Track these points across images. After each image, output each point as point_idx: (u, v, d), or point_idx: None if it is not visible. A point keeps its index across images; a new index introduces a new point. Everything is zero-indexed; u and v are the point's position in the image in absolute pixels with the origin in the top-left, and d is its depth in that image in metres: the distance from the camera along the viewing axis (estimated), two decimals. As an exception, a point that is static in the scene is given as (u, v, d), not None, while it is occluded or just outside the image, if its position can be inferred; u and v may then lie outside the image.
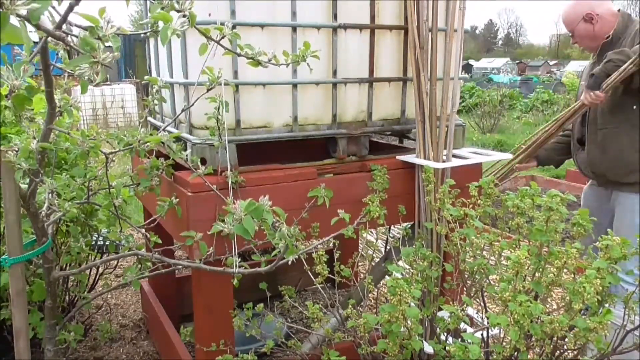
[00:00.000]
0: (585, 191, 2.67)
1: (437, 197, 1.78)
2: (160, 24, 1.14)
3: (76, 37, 0.98)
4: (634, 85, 2.20)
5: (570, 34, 2.46)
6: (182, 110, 1.82)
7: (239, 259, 1.67)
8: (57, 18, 0.98)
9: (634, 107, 2.28)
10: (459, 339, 1.47)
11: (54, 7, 0.94)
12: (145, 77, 1.93)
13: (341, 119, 2.09)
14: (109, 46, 0.99)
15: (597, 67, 2.28)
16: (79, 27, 1.00)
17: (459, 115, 2.18)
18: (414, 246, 1.68)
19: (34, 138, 1.49)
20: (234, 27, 1.44)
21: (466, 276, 1.71)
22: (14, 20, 0.87)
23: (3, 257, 1.49)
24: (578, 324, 1.28)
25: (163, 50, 2.19)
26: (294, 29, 1.90)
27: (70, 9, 0.95)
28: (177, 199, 1.80)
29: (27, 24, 0.89)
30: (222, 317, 1.83)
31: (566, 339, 1.32)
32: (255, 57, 1.51)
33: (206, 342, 1.80)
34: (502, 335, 1.57)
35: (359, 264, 2.86)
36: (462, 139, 2.33)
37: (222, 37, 1.42)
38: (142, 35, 2.15)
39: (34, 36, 1.40)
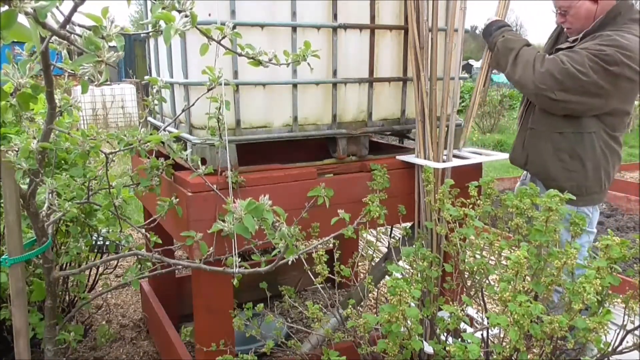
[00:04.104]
0: None
1: (437, 197, 1.78)
2: (162, 23, 1.13)
3: (79, 36, 0.98)
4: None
5: (560, 11, 2.12)
6: (182, 110, 1.82)
7: (239, 259, 1.67)
8: (59, 17, 0.98)
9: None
10: (459, 339, 1.47)
11: (57, 7, 0.95)
12: (145, 77, 1.94)
13: (341, 119, 2.09)
14: (112, 46, 0.99)
15: (564, 41, 2.15)
16: (82, 26, 0.99)
17: (459, 115, 2.18)
18: (414, 246, 1.68)
19: (34, 138, 1.49)
20: (234, 27, 1.44)
21: (466, 276, 1.71)
22: (21, 18, 0.87)
23: (3, 257, 1.49)
24: (578, 324, 1.28)
25: (163, 50, 2.19)
26: (294, 29, 1.90)
27: (74, 8, 0.95)
28: (177, 199, 1.80)
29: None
30: (222, 317, 1.83)
31: (566, 339, 1.32)
32: (256, 57, 1.51)
33: (206, 342, 1.80)
34: (502, 335, 1.57)
35: (359, 264, 2.86)
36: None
37: (223, 37, 1.42)
38: (142, 35, 2.15)
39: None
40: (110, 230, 2.07)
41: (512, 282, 1.35)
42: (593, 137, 2.07)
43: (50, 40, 1.11)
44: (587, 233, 2.14)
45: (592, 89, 1.94)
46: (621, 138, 2.15)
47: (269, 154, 2.15)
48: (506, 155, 2.33)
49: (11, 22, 0.85)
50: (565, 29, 2.19)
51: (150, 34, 1.17)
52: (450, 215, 1.64)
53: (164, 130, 1.82)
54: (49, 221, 1.65)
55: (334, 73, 2.02)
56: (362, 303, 2.14)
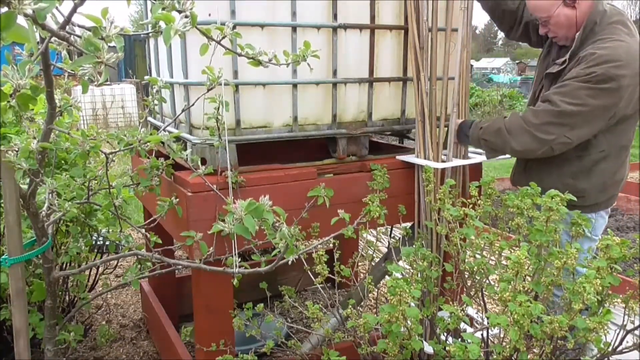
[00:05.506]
0: None
1: (437, 197, 1.78)
2: (162, 24, 1.13)
3: (79, 37, 0.98)
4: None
5: (541, 22, 2.06)
6: (182, 110, 1.82)
7: (239, 259, 1.67)
8: (59, 18, 0.98)
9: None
10: (459, 339, 1.47)
11: (56, 8, 0.95)
12: (145, 77, 1.93)
13: (341, 119, 2.09)
14: (112, 46, 0.99)
15: (556, 62, 2.03)
16: (82, 27, 0.99)
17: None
18: (413, 246, 1.68)
19: (34, 138, 1.49)
20: (234, 27, 1.44)
21: (466, 276, 1.71)
22: (20, 20, 0.87)
23: (3, 257, 1.49)
24: (578, 324, 1.28)
25: (163, 50, 2.19)
26: (294, 29, 1.90)
27: (74, 9, 0.95)
28: (177, 199, 1.80)
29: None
30: (222, 317, 1.83)
31: (566, 339, 1.32)
32: (255, 57, 1.51)
33: (206, 342, 1.80)
34: (502, 335, 1.57)
35: (359, 264, 2.86)
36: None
37: (223, 37, 1.41)
38: (142, 35, 2.14)
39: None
40: (110, 230, 2.07)
41: (512, 282, 1.35)
42: (601, 155, 2.00)
43: (50, 41, 1.11)
44: (589, 239, 2.05)
45: (597, 112, 1.88)
46: (630, 144, 2.06)
47: (269, 154, 2.15)
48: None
49: (11, 23, 0.85)
50: (552, 39, 2.11)
51: (150, 34, 1.17)
52: (451, 215, 1.64)
53: (164, 130, 1.82)
54: (49, 221, 1.64)
55: (334, 73, 2.02)
56: (362, 303, 2.14)
